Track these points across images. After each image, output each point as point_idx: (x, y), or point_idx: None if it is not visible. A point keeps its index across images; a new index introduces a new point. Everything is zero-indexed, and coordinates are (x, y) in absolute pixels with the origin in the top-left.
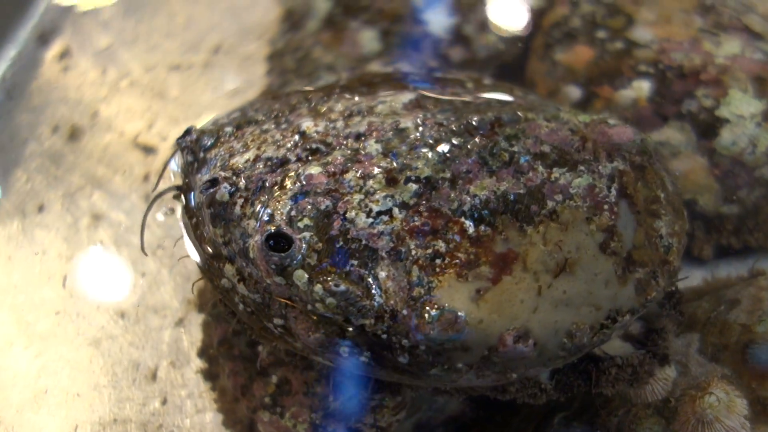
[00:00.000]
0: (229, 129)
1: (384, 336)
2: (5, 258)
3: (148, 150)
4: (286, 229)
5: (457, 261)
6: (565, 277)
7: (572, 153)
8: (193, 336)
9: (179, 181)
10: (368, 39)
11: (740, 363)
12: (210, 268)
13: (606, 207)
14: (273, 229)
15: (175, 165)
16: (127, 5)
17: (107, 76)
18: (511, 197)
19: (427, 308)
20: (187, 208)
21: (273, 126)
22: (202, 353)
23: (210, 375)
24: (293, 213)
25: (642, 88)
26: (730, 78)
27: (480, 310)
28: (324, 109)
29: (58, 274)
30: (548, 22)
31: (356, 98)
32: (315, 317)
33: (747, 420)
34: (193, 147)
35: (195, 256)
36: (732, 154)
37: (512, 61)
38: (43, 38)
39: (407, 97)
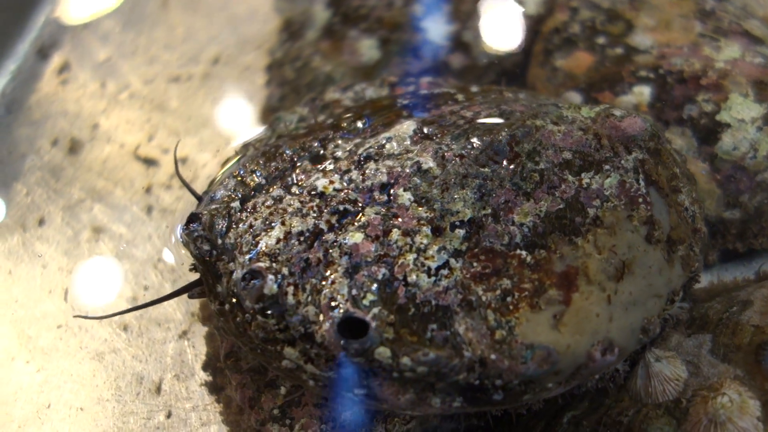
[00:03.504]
0: (235, 205)
1: (476, 382)
2: (5, 272)
3: (149, 162)
4: (357, 313)
5: (526, 293)
6: (627, 279)
7: (592, 153)
8: (197, 349)
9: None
10: (367, 47)
11: (753, 364)
12: (264, 352)
13: (640, 200)
14: (342, 315)
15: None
16: (126, 18)
17: (107, 89)
18: (554, 215)
19: (517, 348)
20: (215, 296)
21: (283, 191)
22: (207, 366)
23: (215, 387)
24: (354, 292)
25: (643, 93)
26: (730, 82)
27: (563, 336)
28: (328, 157)
29: (60, 287)
30: (548, 29)
31: (356, 138)
32: (402, 381)
33: (760, 421)
34: (207, 235)
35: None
36: (733, 159)
37: (513, 68)
38: (43, 52)
39: (410, 127)
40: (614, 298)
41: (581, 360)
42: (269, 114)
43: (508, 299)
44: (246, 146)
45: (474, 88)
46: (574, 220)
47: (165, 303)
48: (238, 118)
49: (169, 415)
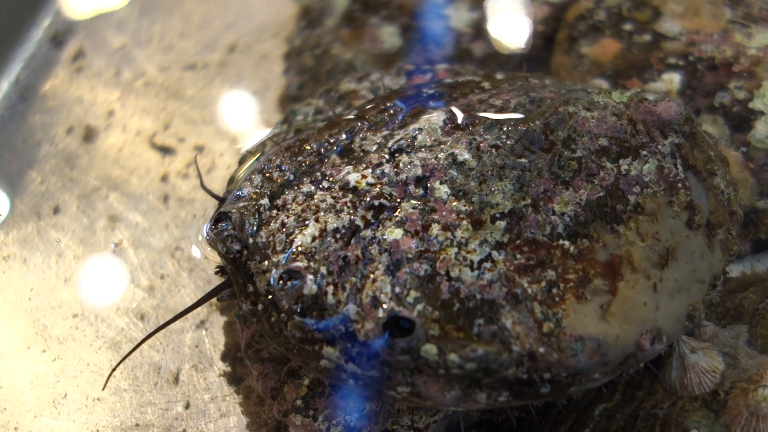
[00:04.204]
0: (264, 202)
1: (525, 376)
2: (20, 260)
3: (165, 150)
4: (402, 312)
5: (571, 284)
6: (672, 266)
7: (629, 139)
8: (215, 339)
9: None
10: (388, 35)
11: None
12: (301, 352)
13: (679, 185)
14: (387, 315)
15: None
16: (141, 5)
17: (122, 77)
18: (595, 203)
19: (566, 341)
20: (246, 296)
21: (313, 186)
22: (226, 356)
23: (234, 378)
24: (397, 289)
25: (672, 80)
26: (763, 69)
27: (612, 326)
28: (357, 150)
29: (75, 276)
30: (572, 16)
31: (383, 131)
32: (447, 378)
33: None
34: (237, 234)
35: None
36: (767, 147)
37: (536, 55)
38: (57, 39)
39: (439, 117)
40: (660, 286)
41: (630, 350)
42: (287, 102)
43: (554, 291)
44: (262, 142)
45: (499, 76)
46: (615, 208)
47: (182, 292)
48: (255, 107)
49: (187, 406)
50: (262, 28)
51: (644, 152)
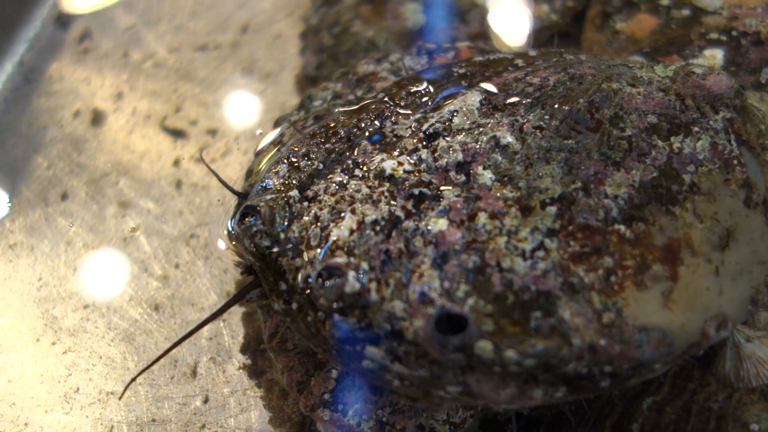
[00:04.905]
0: (294, 194)
1: (584, 371)
2: (27, 248)
3: (177, 134)
4: (454, 308)
5: (629, 271)
6: (733, 247)
7: (678, 115)
8: (233, 330)
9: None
10: (411, 12)
11: None
12: (340, 353)
13: (735, 161)
14: (437, 312)
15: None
16: None
17: (130, 58)
18: (649, 184)
19: (628, 332)
20: (278, 295)
21: (346, 176)
22: (245, 348)
23: (255, 371)
24: (446, 284)
25: (715, 56)
26: None
27: (675, 314)
28: (389, 136)
29: (85, 265)
30: None
31: (415, 114)
32: (502, 375)
33: None
34: (267, 229)
35: None
36: None
37: (565, 32)
38: (62, 20)
39: (475, 98)
40: (722, 269)
41: (695, 338)
42: (304, 83)
43: (612, 279)
44: (280, 133)
45: (532, 52)
46: (670, 189)
47: (198, 282)
48: (270, 88)
49: (206, 400)
50: (276, 7)
51: (696, 129)
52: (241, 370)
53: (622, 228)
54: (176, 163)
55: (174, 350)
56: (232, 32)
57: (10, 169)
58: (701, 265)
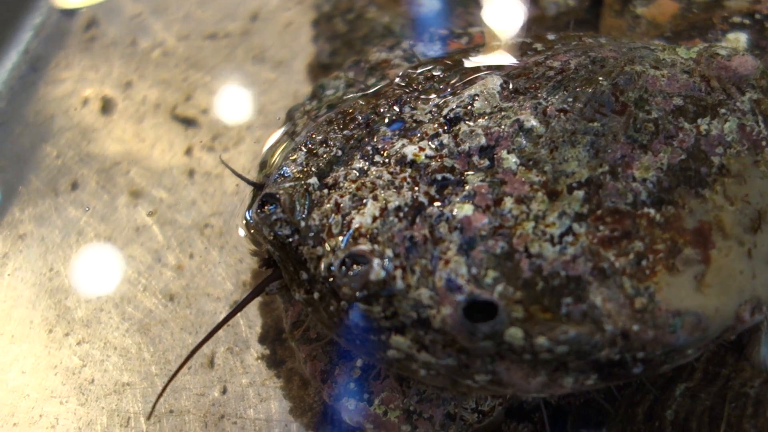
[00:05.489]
0: (313, 181)
1: (617, 357)
2: (38, 239)
3: (188, 122)
4: (482, 295)
5: (661, 255)
6: (765, 229)
7: (704, 97)
8: (250, 320)
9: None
10: None
11: None
12: (365, 343)
13: (764, 142)
14: (466, 299)
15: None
16: None
17: (138, 46)
18: (677, 167)
19: (662, 317)
20: (299, 284)
21: (366, 162)
22: (263, 338)
23: (273, 361)
24: (474, 270)
25: (739, 40)
26: None
27: (709, 298)
28: (408, 121)
29: (98, 255)
30: None
31: (434, 96)
32: (532, 363)
33: None
34: (287, 217)
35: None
36: None
37: (582, 18)
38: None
39: (495, 82)
40: (754, 252)
41: (729, 322)
42: (318, 71)
43: (643, 263)
44: (292, 122)
45: (551, 36)
46: (699, 171)
47: (213, 271)
48: (282, 77)
49: (224, 391)
50: None
51: (723, 110)
52: (259, 360)
53: (652, 211)
54: (188, 151)
55: (190, 341)
56: (242, 20)
57: (18, 158)
58: (733, 247)
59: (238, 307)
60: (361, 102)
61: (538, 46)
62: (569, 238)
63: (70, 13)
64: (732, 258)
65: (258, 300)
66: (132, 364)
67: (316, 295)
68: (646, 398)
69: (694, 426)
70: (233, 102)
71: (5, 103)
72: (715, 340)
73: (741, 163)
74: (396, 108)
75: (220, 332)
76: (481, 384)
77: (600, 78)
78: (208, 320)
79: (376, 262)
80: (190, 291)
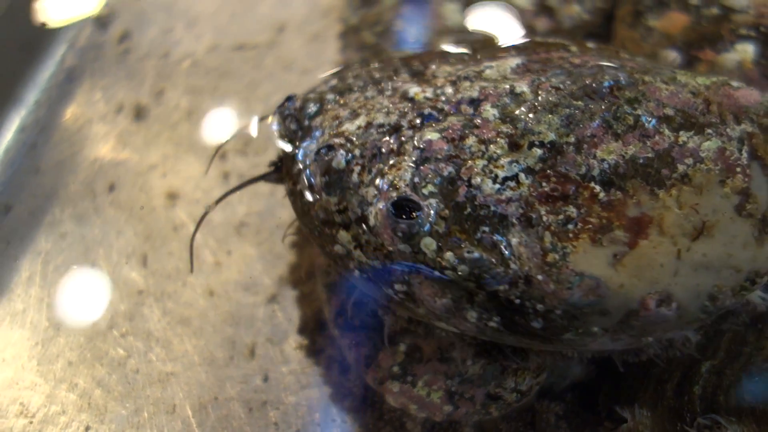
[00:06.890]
0: (331, 96)
1: (517, 301)
2: (78, 238)
3: (221, 129)
4: (412, 196)
5: (590, 226)
6: (704, 240)
7: (697, 116)
8: (288, 312)
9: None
10: (451, 11)
11: None
12: (321, 234)
13: (738, 170)
14: (398, 195)
15: (272, 133)
16: None
17: (170, 58)
18: (641, 161)
19: (566, 274)
20: (289, 175)
21: (376, 93)
22: (301, 329)
23: (312, 350)
24: (416, 180)
25: (746, 50)
26: None
27: (619, 275)
28: (427, 74)
29: (137, 253)
30: None
31: (459, 65)
32: (441, 283)
33: None
34: (297, 114)
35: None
36: None
37: (598, 31)
38: (101, 20)
39: (514, 61)
40: (684, 255)
41: (633, 306)
42: None
43: (570, 226)
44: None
45: (590, 44)
46: (660, 172)
47: (251, 267)
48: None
49: (266, 379)
50: (311, 9)
51: (709, 131)
52: (298, 350)
53: (598, 188)
54: (222, 156)
55: (231, 333)
56: (269, 32)
57: (57, 163)
58: (665, 244)
59: (244, 183)
60: (399, 57)
61: (574, 48)
62: (512, 184)
63: (103, 26)
64: (659, 252)
65: (294, 293)
66: (175, 355)
67: (298, 187)
68: (674, 375)
69: (722, 399)
70: (263, 110)
71: (44, 111)
72: (625, 327)
73: (706, 178)
74: (422, 66)
75: (260, 324)
76: (400, 297)
77: (606, 75)
78: (248, 313)
79: (341, 152)
80: (229, 286)
